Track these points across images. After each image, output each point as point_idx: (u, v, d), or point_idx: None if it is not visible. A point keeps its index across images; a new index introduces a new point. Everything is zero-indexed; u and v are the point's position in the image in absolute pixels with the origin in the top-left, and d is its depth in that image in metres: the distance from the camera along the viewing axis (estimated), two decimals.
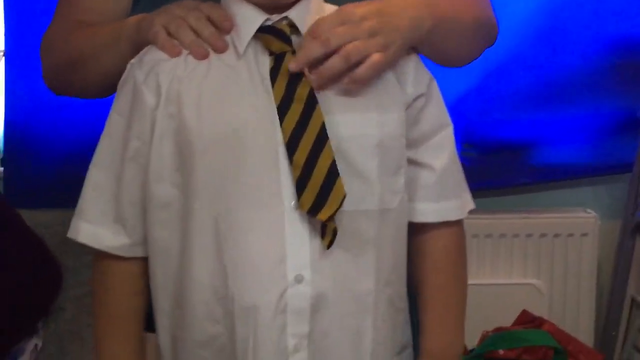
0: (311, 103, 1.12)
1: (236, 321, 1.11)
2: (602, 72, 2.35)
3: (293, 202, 1.11)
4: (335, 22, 1.13)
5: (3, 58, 2.16)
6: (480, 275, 2.34)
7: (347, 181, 1.11)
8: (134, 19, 1.23)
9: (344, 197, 1.10)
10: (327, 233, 1.11)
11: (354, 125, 1.13)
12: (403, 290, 1.21)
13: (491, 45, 1.37)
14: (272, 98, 1.12)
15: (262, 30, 1.14)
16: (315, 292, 1.11)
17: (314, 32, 1.12)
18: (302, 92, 1.12)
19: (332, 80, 1.13)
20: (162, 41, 1.16)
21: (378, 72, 1.14)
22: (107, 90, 1.27)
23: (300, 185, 1.10)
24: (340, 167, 1.11)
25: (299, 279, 1.11)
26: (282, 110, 1.11)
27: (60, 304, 2.06)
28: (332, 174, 1.11)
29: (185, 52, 1.15)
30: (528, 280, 2.35)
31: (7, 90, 2.16)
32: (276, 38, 1.13)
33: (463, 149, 2.33)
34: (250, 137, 1.11)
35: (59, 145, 2.18)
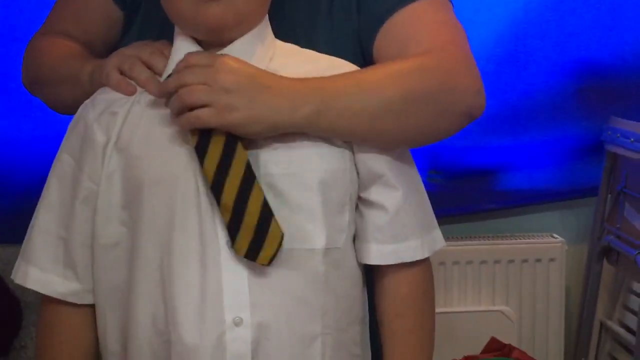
0: (231, 143, 1.06)
1: None
2: (566, 97, 2.36)
3: (226, 241, 1.06)
4: (203, 61, 1.07)
5: None
6: (448, 303, 2.32)
7: (288, 219, 1.07)
8: (90, 67, 1.20)
9: (282, 237, 1.05)
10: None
11: (291, 162, 1.08)
12: (359, 336, 1.16)
13: (469, 117, 1.20)
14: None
15: None
16: (255, 335, 1.06)
17: (180, 62, 1.08)
18: (219, 133, 1.06)
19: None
20: (116, 80, 1.13)
21: (201, 127, 1.06)
22: (73, 110, 1.24)
23: (233, 229, 1.05)
24: (278, 205, 1.06)
25: (237, 322, 1.05)
26: (201, 152, 1.06)
27: (21, 342, 2.01)
28: (266, 214, 1.05)
29: (140, 90, 1.12)
30: (497, 307, 2.34)
31: None
32: None
33: (429, 176, 2.32)
34: (181, 179, 1.07)
35: (18, 180, 2.15)
